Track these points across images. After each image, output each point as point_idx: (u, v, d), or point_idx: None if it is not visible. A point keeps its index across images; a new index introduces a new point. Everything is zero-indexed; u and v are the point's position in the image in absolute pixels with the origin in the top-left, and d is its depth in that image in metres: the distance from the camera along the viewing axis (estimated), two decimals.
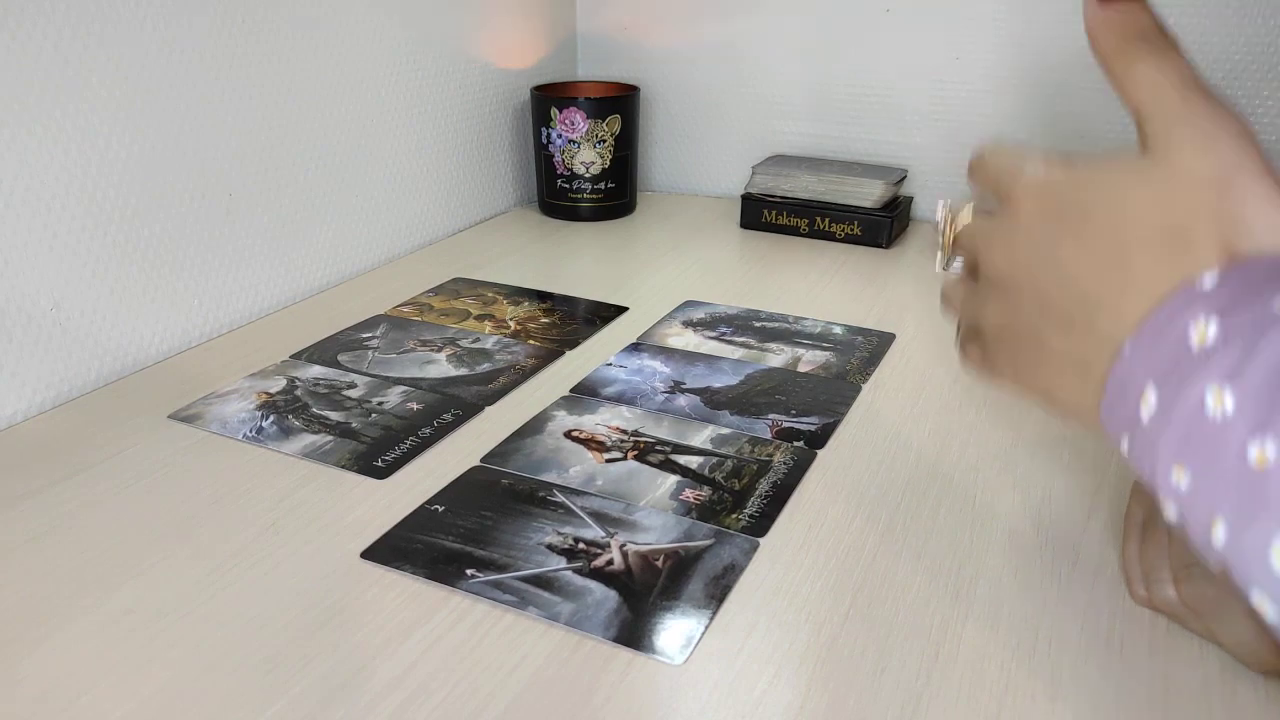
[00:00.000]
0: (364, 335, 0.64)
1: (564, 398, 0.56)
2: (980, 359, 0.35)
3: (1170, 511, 0.25)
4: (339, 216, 0.74)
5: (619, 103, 0.87)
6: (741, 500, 0.46)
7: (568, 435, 0.51)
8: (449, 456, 0.50)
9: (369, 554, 0.42)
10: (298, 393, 0.56)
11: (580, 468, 0.48)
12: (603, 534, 0.43)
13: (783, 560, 0.41)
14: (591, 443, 0.51)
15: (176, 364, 0.61)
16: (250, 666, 0.35)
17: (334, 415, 0.53)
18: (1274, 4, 0.73)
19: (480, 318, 0.67)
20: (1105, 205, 0.30)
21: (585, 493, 0.46)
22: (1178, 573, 0.37)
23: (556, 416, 0.53)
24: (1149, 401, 0.25)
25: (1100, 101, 0.81)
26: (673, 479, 0.47)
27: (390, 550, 0.42)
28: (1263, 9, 0.74)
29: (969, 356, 0.36)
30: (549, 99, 0.86)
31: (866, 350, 0.62)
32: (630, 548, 0.42)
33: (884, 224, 0.82)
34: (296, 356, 0.61)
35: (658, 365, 0.60)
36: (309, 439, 0.51)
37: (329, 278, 0.74)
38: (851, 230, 0.83)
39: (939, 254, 0.42)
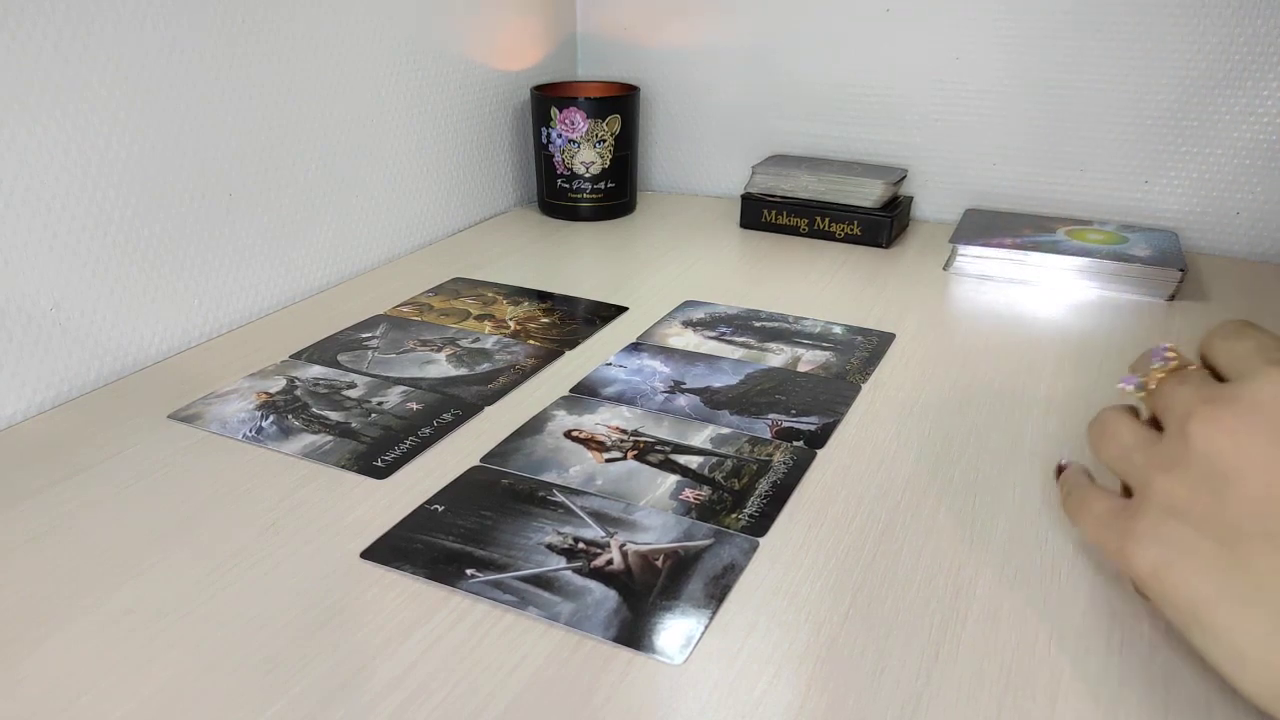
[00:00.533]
0: (364, 335, 0.64)
1: (564, 398, 0.56)
2: (1123, 527, 0.31)
3: None
4: (339, 216, 0.74)
5: (619, 103, 0.87)
6: (741, 500, 0.46)
7: (568, 435, 0.51)
8: (449, 456, 0.50)
9: (369, 554, 0.42)
10: (298, 393, 0.56)
11: (580, 467, 0.48)
12: (603, 534, 0.43)
13: (783, 560, 0.41)
14: (591, 442, 0.51)
15: (176, 364, 0.61)
16: (250, 666, 0.35)
17: (334, 415, 0.53)
18: (1274, 4, 0.73)
19: (480, 318, 0.67)
20: None
21: (585, 492, 0.46)
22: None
23: (556, 416, 0.53)
24: None
25: (1100, 102, 0.81)
26: (673, 479, 0.47)
27: (390, 550, 0.42)
28: (1263, 9, 0.74)
29: (1096, 516, 0.32)
30: (549, 99, 0.86)
31: (866, 350, 0.62)
32: (630, 547, 0.42)
33: (884, 224, 0.82)
34: (296, 356, 0.61)
35: (658, 365, 0.60)
36: (309, 439, 0.51)
37: (329, 278, 0.74)
38: (851, 230, 0.83)
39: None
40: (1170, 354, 0.35)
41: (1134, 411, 0.37)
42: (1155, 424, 0.35)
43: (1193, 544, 0.29)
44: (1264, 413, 0.28)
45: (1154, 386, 0.34)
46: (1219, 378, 0.32)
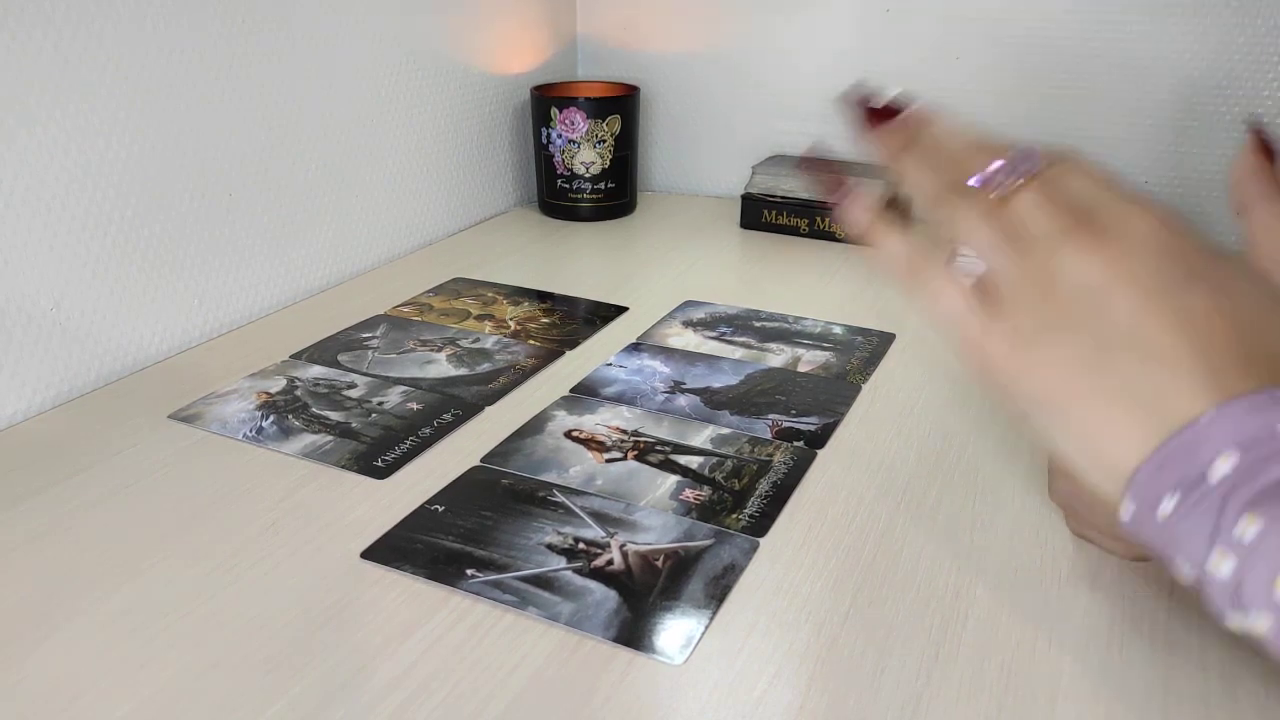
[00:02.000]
0: (364, 335, 0.64)
1: (564, 398, 0.56)
2: (1009, 345, 0.32)
3: (1225, 568, 0.25)
4: (339, 216, 0.74)
5: (619, 103, 0.87)
6: (741, 500, 0.46)
7: (568, 435, 0.51)
8: (449, 456, 0.50)
9: (369, 554, 0.42)
10: (298, 393, 0.56)
11: (580, 468, 0.48)
12: (603, 534, 0.43)
13: (783, 560, 0.41)
14: (591, 443, 0.51)
15: (176, 364, 0.61)
16: (250, 666, 0.35)
17: (334, 415, 0.53)
18: (1274, 4, 0.73)
19: (480, 318, 0.67)
20: (1249, 295, 0.29)
21: (585, 493, 0.46)
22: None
23: (556, 416, 0.53)
24: (1225, 462, 0.26)
25: (1100, 103, 0.81)
26: (673, 479, 0.47)
27: (390, 550, 0.42)
28: (1263, 9, 0.74)
29: (990, 336, 0.33)
30: (549, 99, 0.86)
31: (866, 350, 0.62)
32: (630, 548, 0.42)
33: None
34: (296, 356, 0.61)
35: (658, 365, 0.60)
36: (309, 439, 0.51)
37: (329, 278, 0.74)
38: None
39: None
40: (1039, 165, 0.34)
41: None
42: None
43: (1067, 343, 0.31)
44: (1138, 245, 0.30)
45: (1009, 195, 0.34)
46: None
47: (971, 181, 0.36)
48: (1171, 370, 0.28)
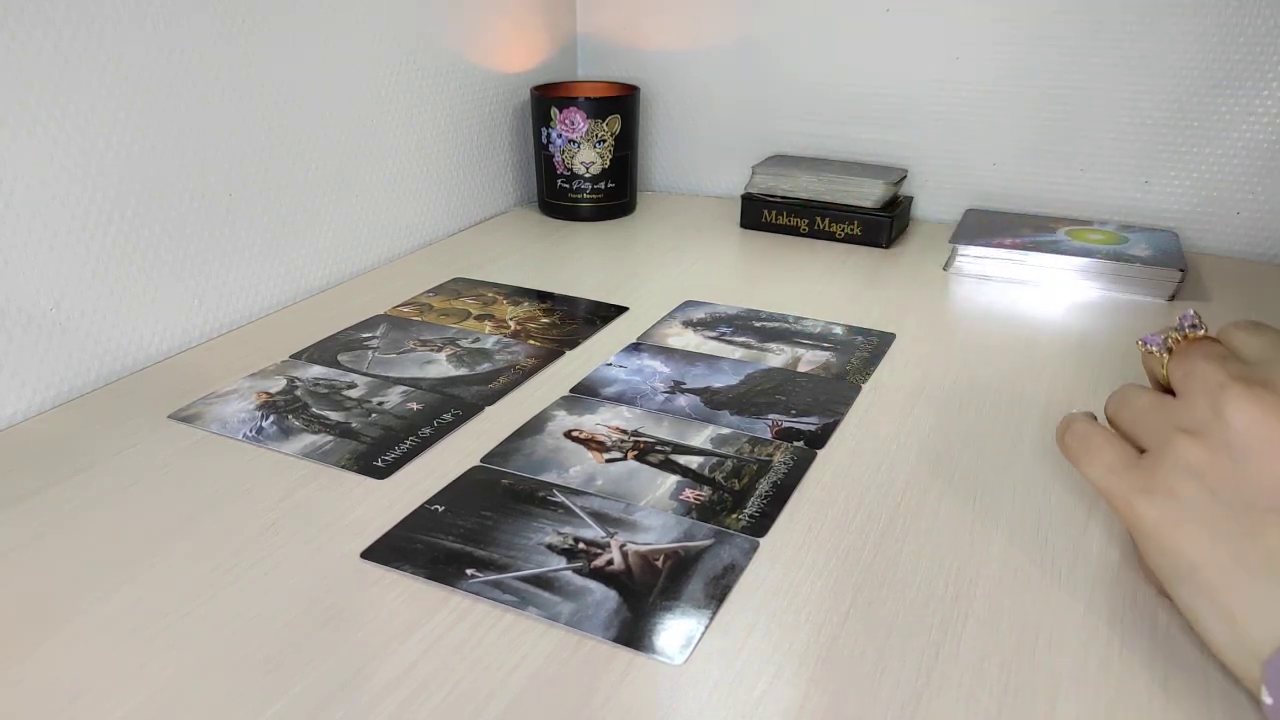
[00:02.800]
0: (364, 335, 0.64)
1: (564, 398, 0.56)
2: (1134, 478, 0.32)
3: None
4: (339, 216, 0.74)
5: (619, 103, 0.87)
6: (741, 500, 0.46)
7: (568, 435, 0.51)
8: (449, 456, 0.50)
9: (369, 554, 0.42)
10: (298, 393, 0.56)
11: (580, 468, 0.48)
12: (603, 534, 0.43)
13: (783, 560, 0.41)
14: (591, 443, 0.51)
15: (176, 364, 0.61)
16: (250, 666, 0.35)
17: (334, 415, 0.53)
18: (1274, 4, 0.73)
19: (480, 318, 0.67)
20: None
21: (585, 493, 0.46)
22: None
23: (556, 416, 0.53)
24: None
25: (1100, 102, 0.81)
26: (673, 479, 0.47)
27: (390, 550, 0.42)
28: (1263, 9, 0.74)
29: (1106, 462, 0.33)
30: (549, 99, 0.86)
31: (866, 350, 0.62)
32: (630, 548, 0.42)
33: (884, 224, 0.82)
34: (296, 356, 0.61)
35: (658, 365, 0.60)
36: (309, 439, 0.51)
37: (329, 278, 0.74)
38: (851, 230, 0.83)
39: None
40: (1196, 322, 0.37)
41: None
42: (1166, 391, 0.37)
43: (1206, 505, 0.30)
44: None
45: (1174, 350, 0.36)
46: None
47: (1142, 341, 0.38)
48: None
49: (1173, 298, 0.70)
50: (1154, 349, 0.38)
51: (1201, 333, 0.37)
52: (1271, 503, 0.28)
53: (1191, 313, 0.38)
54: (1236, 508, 0.29)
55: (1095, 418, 0.40)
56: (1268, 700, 0.27)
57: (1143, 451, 0.35)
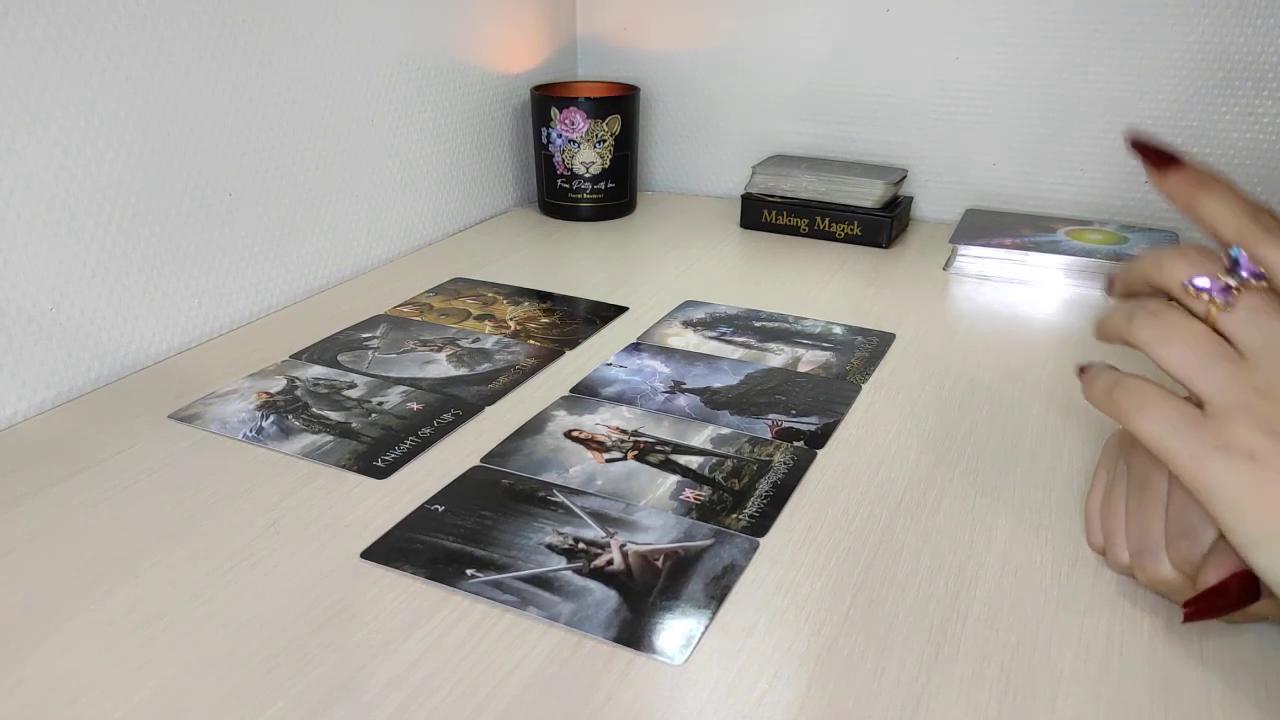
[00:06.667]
0: (364, 335, 0.64)
1: (564, 398, 0.56)
2: (1203, 436, 0.31)
3: None
4: (339, 216, 0.74)
5: (619, 103, 0.87)
6: (741, 500, 0.46)
7: (568, 435, 0.51)
8: (449, 456, 0.50)
9: (369, 554, 0.42)
10: (298, 393, 0.56)
11: (580, 468, 0.48)
12: (603, 534, 0.43)
13: (783, 560, 0.41)
14: (591, 443, 0.51)
15: (176, 364, 0.61)
16: (250, 666, 0.35)
17: (334, 415, 0.53)
18: (1274, 4, 0.73)
19: (480, 318, 0.67)
20: None
21: (585, 493, 0.46)
22: (1172, 541, 0.35)
23: (556, 416, 0.53)
24: None
25: (1100, 102, 0.81)
26: (673, 479, 0.47)
27: (390, 550, 0.42)
28: (1263, 9, 0.74)
29: (1166, 418, 0.31)
30: (549, 99, 0.86)
31: (866, 350, 0.62)
32: (630, 548, 0.42)
33: (884, 224, 0.82)
34: (296, 356, 0.61)
35: (658, 365, 0.60)
36: (309, 439, 0.51)
37: (329, 278, 0.74)
38: (851, 230, 0.83)
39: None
40: (1259, 270, 0.33)
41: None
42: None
43: None
44: None
45: (1236, 301, 0.33)
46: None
47: (1191, 281, 0.34)
48: None
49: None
50: (1215, 295, 0.33)
51: (1265, 285, 0.32)
52: None
53: (1245, 256, 0.33)
54: None
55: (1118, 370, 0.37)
56: None
57: (1198, 405, 0.33)
